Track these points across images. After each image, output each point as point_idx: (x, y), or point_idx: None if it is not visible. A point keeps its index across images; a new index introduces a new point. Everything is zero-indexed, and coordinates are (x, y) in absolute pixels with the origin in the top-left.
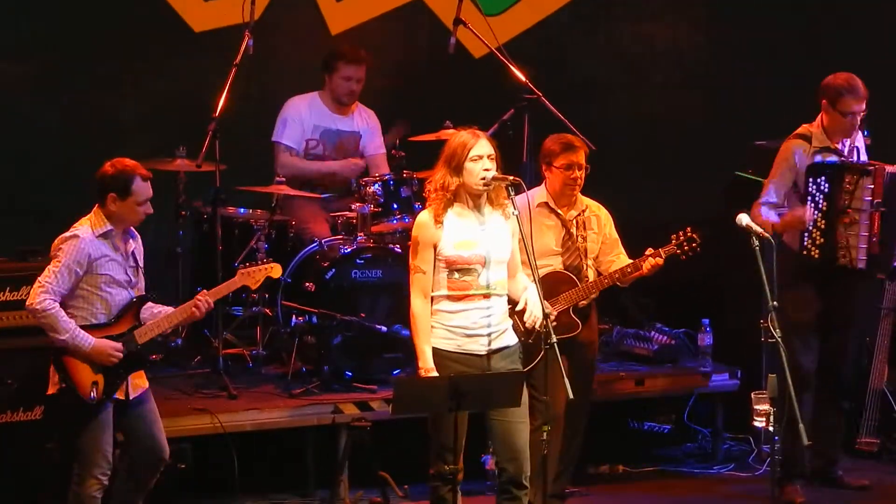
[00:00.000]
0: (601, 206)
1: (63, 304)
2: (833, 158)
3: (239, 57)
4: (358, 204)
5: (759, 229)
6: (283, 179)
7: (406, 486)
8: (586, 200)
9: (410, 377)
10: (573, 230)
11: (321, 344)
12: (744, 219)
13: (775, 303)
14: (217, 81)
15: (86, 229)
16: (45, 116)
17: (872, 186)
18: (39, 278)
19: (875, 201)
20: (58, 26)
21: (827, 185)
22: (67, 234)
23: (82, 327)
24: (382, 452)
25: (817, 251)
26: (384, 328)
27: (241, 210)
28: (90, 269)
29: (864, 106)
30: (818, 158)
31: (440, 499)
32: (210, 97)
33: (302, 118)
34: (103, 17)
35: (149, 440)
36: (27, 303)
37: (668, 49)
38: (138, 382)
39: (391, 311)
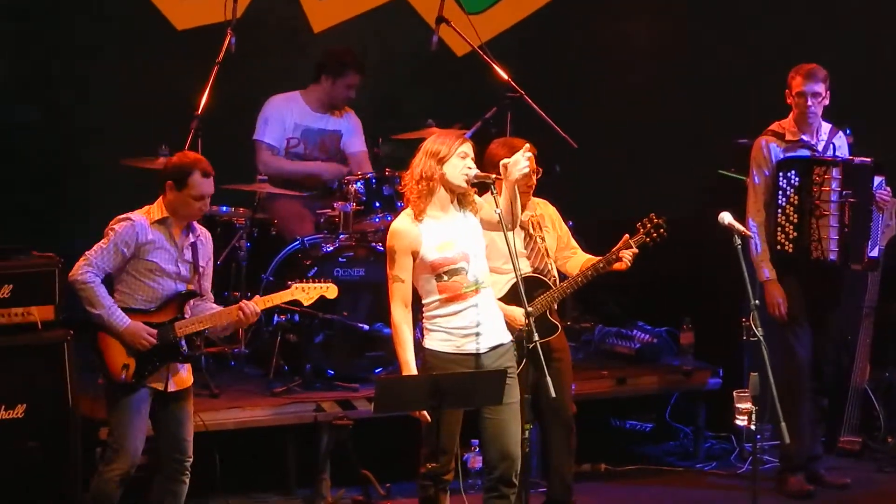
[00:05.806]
0: (547, 203)
1: (110, 284)
2: (805, 152)
3: (221, 55)
4: (340, 202)
5: (741, 228)
6: (266, 178)
7: (388, 485)
8: (534, 199)
9: (392, 376)
10: (532, 231)
11: (303, 342)
12: (726, 217)
13: (757, 301)
14: (200, 79)
15: (140, 215)
16: (26, 115)
17: (840, 177)
18: (86, 252)
19: (844, 192)
20: (39, 24)
21: (797, 179)
22: (123, 216)
23: (123, 309)
24: (364, 451)
25: (791, 245)
26: (366, 327)
27: (224, 208)
28: (137, 253)
29: (817, 88)
30: (789, 153)
31: (429, 498)
32: (193, 95)
33: (283, 117)
34: (85, 15)
35: (173, 439)
36: (69, 274)
37: (649, 47)
38: (181, 377)
39: (373, 309)
